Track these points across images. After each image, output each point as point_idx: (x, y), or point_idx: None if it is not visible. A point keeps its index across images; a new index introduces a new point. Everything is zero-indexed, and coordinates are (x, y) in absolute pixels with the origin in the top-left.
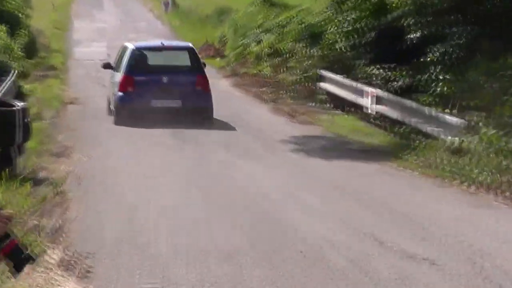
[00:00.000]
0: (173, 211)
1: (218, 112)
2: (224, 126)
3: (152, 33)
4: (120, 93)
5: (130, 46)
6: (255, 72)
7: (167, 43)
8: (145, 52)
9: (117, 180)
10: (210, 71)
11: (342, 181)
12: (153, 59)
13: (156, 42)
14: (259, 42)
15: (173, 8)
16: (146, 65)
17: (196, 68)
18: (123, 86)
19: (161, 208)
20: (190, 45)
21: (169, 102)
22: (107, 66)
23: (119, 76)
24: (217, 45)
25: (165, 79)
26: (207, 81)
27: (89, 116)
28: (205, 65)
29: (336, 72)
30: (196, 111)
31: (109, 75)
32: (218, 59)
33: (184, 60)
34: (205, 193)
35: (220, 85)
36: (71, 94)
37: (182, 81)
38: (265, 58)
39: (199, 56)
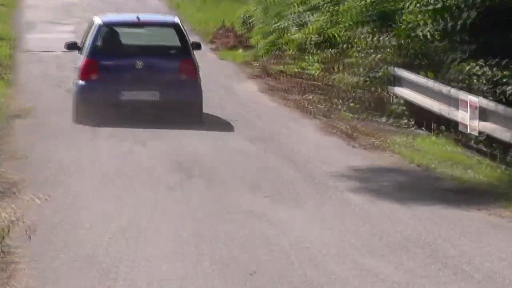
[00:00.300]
0: None
1: (241, 131)
2: (250, 151)
3: (143, 11)
4: (81, 82)
5: (97, 20)
6: (296, 70)
7: (145, 17)
8: (115, 28)
9: (86, 236)
10: (228, 69)
11: (430, 241)
12: (126, 38)
13: (130, 16)
14: (302, 26)
15: None
16: (117, 45)
17: (182, 50)
18: (85, 72)
19: None
20: (176, 20)
21: (144, 94)
22: (72, 46)
23: (81, 59)
24: (239, 29)
25: (139, 64)
26: (195, 67)
27: (46, 135)
28: (199, 46)
29: (419, 72)
30: (178, 106)
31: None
32: (240, 50)
33: (167, 39)
34: (223, 267)
35: (244, 90)
36: (20, 103)
37: (162, 67)
38: (311, 50)
39: (187, 34)
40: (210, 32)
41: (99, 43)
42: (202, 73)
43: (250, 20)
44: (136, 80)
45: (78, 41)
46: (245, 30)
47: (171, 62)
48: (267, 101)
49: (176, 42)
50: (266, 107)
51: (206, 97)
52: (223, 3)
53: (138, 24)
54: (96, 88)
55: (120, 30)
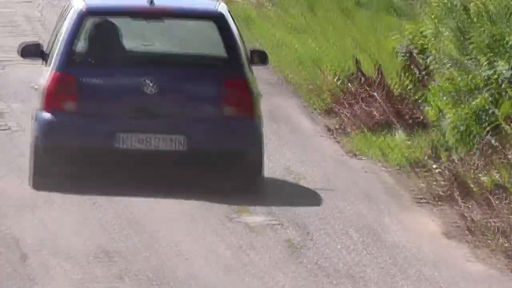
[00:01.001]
0: None
1: None
2: None
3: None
4: (46, 116)
5: (78, 4)
6: None
7: (164, 0)
8: (111, 19)
9: None
10: (371, 181)
11: None
12: (131, 39)
13: None
14: None
15: None
16: (113, 51)
17: (228, 62)
18: (52, 97)
19: None
20: (219, 8)
21: (159, 140)
22: (30, 51)
23: (47, 75)
24: (396, 81)
25: (150, 85)
26: (251, 92)
27: None
28: (263, 57)
29: None
30: (221, 161)
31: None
32: (399, 134)
33: (202, 43)
34: None
35: (408, 232)
36: None
37: (190, 92)
38: None
39: (240, 35)
40: (326, 87)
41: (79, 45)
42: (309, 187)
43: (423, 58)
44: (144, 114)
45: (43, 43)
46: (411, 82)
47: (208, 83)
48: (467, 264)
49: (218, 47)
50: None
51: (331, 255)
52: (357, 17)
53: (152, 14)
54: (73, 126)
55: (119, 23)
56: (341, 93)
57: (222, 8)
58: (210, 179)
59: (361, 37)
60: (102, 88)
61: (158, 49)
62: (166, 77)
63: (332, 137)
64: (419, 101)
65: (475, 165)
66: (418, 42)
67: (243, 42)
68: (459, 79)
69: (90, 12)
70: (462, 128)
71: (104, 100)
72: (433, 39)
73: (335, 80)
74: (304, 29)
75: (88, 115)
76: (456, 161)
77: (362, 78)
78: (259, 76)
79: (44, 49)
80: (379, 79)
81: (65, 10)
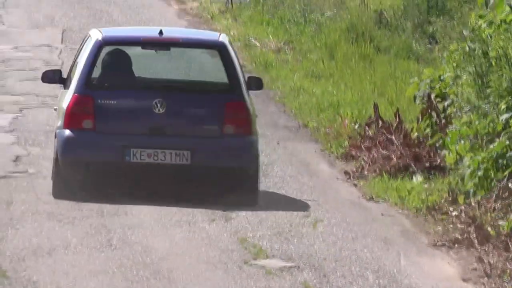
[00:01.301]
0: None
1: None
2: None
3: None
4: (66, 133)
5: (96, 35)
6: None
7: (171, 32)
8: (124, 49)
9: None
10: (388, 225)
11: None
12: (141, 66)
13: (148, 30)
14: None
15: None
16: (125, 76)
17: (229, 86)
18: (72, 116)
19: None
20: (221, 38)
21: (166, 155)
22: (53, 77)
23: (68, 97)
24: (414, 127)
25: (159, 106)
26: (249, 113)
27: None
28: (258, 83)
29: None
30: (221, 175)
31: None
32: (417, 178)
33: (205, 69)
34: None
35: (423, 277)
36: None
37: (195, 112)
38: None
39: (239, 63)
40: (344, 132)
41: (96, 71)
42: (327, 230)
43: (442, 103)
44: (154, 132)
45: (63, 69)
46: (429, 126)
47: (211, 105)
48: None
49: (220, 74)
50: None
51: None
52: (376, 62)
53: (161, 44)
54: (90, 142)
55: (131, 52)
56: (359, 138)
57: (224, 39)
58: (211, 192)
59: (380, 82)
60: (116, 109)
61: (164, 75)
62: (173, 99)
63: (349, 180)
64: (437, 145)
65: (492, 208)
66: (437, 87)
67: (241, 69)
68: (478, 123)
69: (106, 42)
70: (480, 173)
71: (118, 119)
72: (451, 83)
73: (353, 124)
74: (322, 74)
75: (104, 132)
76: (473, 204)
77: (380, 122)
78: (278, 121)
79: (64, 75)
80: (397, 123)
81: (84, 41)
